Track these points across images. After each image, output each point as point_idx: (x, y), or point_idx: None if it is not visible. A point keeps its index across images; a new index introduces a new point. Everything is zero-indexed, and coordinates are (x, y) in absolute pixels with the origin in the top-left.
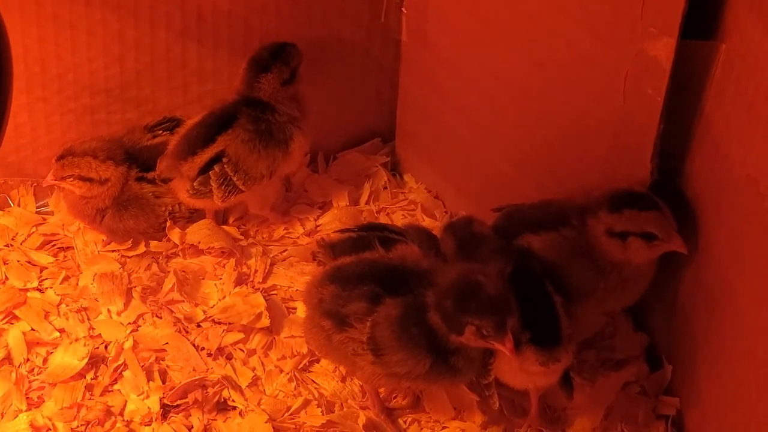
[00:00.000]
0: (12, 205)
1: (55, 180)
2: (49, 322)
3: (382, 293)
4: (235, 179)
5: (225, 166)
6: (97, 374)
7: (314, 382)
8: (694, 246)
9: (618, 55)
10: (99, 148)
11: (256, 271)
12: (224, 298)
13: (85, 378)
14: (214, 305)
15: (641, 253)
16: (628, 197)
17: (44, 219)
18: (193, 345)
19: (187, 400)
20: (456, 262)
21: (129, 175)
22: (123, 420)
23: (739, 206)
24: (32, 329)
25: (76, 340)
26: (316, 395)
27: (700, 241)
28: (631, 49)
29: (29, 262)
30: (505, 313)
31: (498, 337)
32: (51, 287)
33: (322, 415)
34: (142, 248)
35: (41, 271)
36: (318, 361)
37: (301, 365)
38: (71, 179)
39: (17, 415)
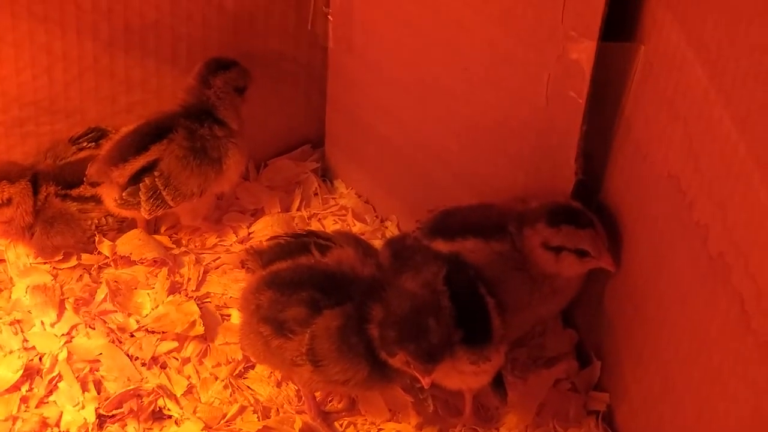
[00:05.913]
0: None
1: None
2: None
3: (321, 299)
4: (164, 194)
5: (156, 179)
6: (32, 386)
7: (250, 388)
8: (617, 250)
9: (540, 58)
10: None
11: (189, 279)
12: (157, 307)
13: (20, 390)
14: (147, 314)
15: (572, 268)
16: (566, 213)
17: None
18: (127, 355)
19: (122, 410)
20: (397, 273)
21: (37, 189)
22: (59, 431)
23: (661, 204)
24: None
25: (11, 352)
26: (252, 401)
27: (624, 240)
28: (553, 52)
29: None
30: (437, 361)
31: (421, 374)
32: None
33: (258, 420)
34: (74, 261)
35: None
36: (253, 367)
37: (236, 372)
38: None
39: None
